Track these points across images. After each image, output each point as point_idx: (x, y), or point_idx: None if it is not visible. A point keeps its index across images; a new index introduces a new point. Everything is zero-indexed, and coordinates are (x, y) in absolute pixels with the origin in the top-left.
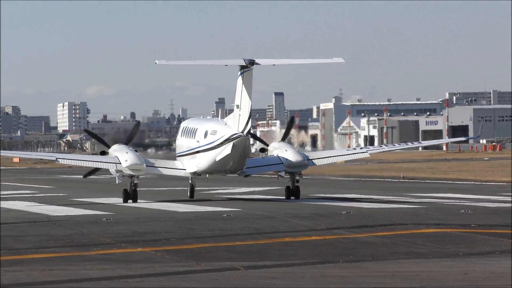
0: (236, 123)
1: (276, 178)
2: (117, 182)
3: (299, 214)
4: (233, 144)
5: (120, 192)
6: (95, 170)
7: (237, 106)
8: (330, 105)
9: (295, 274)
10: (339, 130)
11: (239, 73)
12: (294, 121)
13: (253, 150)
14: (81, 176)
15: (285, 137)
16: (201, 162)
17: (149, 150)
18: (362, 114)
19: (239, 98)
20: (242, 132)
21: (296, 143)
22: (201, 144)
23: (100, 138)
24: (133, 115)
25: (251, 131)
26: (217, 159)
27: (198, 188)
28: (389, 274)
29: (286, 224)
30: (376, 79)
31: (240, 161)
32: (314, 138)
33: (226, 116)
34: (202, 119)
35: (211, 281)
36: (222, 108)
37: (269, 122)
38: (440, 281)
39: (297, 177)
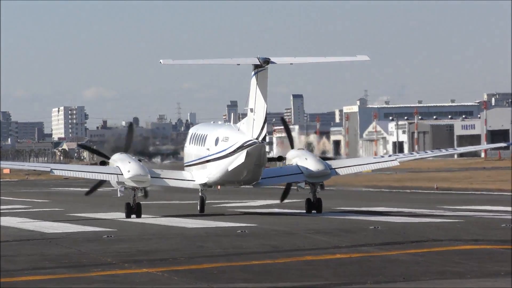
0: (250, 128)
1: (296, 189)
2: (118, 195)
3: (321, 229)
4: (247, 152)
5: (122, 206)
6: (98, 185)
7: (251, 110)
8: (355, 108)
9: None
10: (364, 135)
11: (253, 73)
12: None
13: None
14: (79, 189)
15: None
16: (212, 172)
17: (154, 160)
18: (390, 117)
19: (253, 101)
20: (257, 139)
21: (317, 151)
22: (211, 152)
23: (97, 150)
24: (136, 120)
25: (267, 138)
26: (230, 168)
27: (209, 201)
28: None
29: (307, 240)
30: (405, 79)
31: (255, 170)
32: (337, 145)
33: (239, 121)
34: (212, 125)
35: None
36: (235, 112)
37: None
38: None
39: (319, 189)
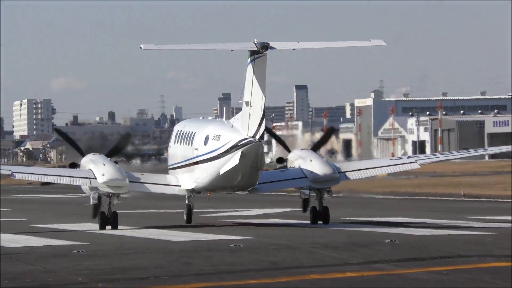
0: (245, 125)
1: (299, 196)
2: (91, 203)
3: (328, 243)
4: (242, 153)
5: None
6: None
7: (247, 104)
8: (368, 102)
9: None
10: (379, 133)
11: (249, 60)
12: (334, 131)
13: (267, 160)
14: (45, 196)
15: (317, 148)
16: (200, 176)
17: (133, 161)
18: (410, 112)
19: (249, 93)
20: (253, 137)
21: (324, 151)
22: (200, 152)
23: (75, 142)
24: (111, 115)
25: (265, 136)
26: (222, 172)
27: (197, 210)
28: None
29: (312, 256)
30: (427, 67)
31: (251, 174)
32: (347, 144)
33: (233, 116)
34: (201, 121)
35: None
36: (228, 106)
37: (289, 123)
38: None
39: (326, 195)
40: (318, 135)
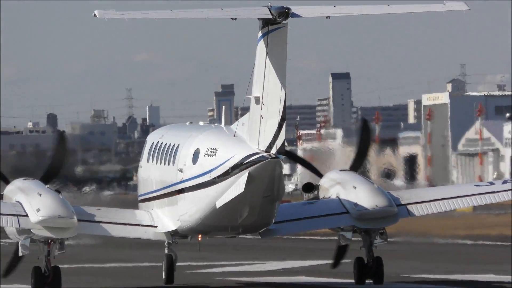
0: (255, 133)
1: (337, 241)
2: (20, 254)
3: None
4: (250, 175)
5: (27, 273)
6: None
7: (257, 101)
8: (443, 98)
9: None
10: (460, 146)
11: (260, 34)
12: (369, 130)
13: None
14: None
15: (358, 164)
16: (187, 211)
17: (85, 189)
18: (507, 114)
19: (261, 85)
20: (267, 151)
21: (376, 173)
22: (187, 175)
23: None
24: (52, 119)
25: (286, 148)
26: (219, 204)
27: (183, 264)
28: None
29: None
30: None
31: (264, 208)
32: (411, 162)
33: (236, 120)
34: (188, 127)
35: None
36: (229, 105)
37: (323, 131)
38: None
39: (378, 240)
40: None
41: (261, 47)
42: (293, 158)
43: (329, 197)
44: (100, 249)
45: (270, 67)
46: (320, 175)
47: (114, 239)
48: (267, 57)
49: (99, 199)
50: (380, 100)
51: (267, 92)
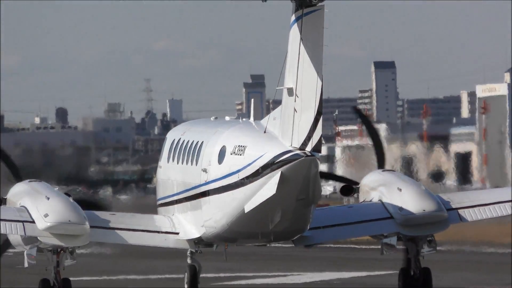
0: (288, 128)
1: (379, 250)
2: (25, 265)
3: None
4: (283, 175)
5: (34, 286)
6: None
7: (290, 92)
8: (501, 89)
9: None
10: None
11: (294, 19)
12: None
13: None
14: None
15: (382, 164)
16: (212, 216)
17: (99, 192)
18: None
19: (294, 75)
20: (301, 149)
21: (424, 174)
22: (212, 176)
23: (12, 161)
24: (62, 114)
25: (323, 147)
26: (248, 209)
27: (208, 275)
28: None
29: None
30: None
31: (299, 212)
32: (464, 162)
33: (267, 114)
34: (213, 123)
35: None
36: (260, 97)
37: (363, 127)
38: None
39: (426, 249)
40: (413, 147)
41: (294, 33)
42: (370, 129)
43: (371, 201)
44: (116, 259)
45: (305, 54)
46: (356, 184)
47: (132, 248)
48: (301, 43)
49: (114, 203)
50: (429, 92)
51: (302, 83)
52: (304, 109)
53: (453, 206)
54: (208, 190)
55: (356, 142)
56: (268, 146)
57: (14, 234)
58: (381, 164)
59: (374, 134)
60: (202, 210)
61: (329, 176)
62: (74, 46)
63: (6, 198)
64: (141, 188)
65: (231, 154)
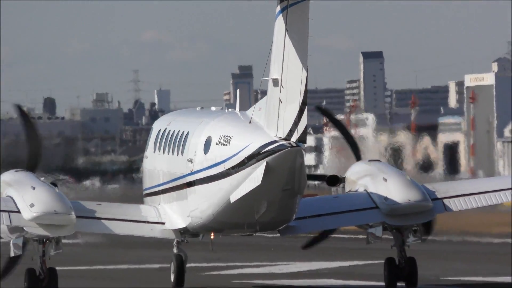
0: (273, 119)
1: (365, 239)
2: (11, 255)
3: None
4: (268, 166)
5: (20, 277)
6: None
7: (275, 83)
8: (488, 79)
9: None
10: (506, 132)
11: (279, 10)
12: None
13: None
14: None
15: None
16: (198, 206)
17: (86, 182)
18: None
19: (279, 66)
20: (286, 140)
21: (412, 164)
22: (197, 166)
23: None
24: (50, 104)
25: (309, 137)
26: (233, 199)
27: (196, 265)
28: None
29: None
30: None
31: (284, 203)
32: (451, 152)
33: (253, 104)
34: (199, 113)
35: None
36: (248, 88)
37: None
38: None
39: (411, 239)
40: (402, 136)
41: (279, 24)
42: (335, 122)
43: (356, 191)
44: (104, 250)
45: (290, 45)
46: (359, 157)
47: (120, 238)
48: (286, 34)
49: (102, 193)
50: (417, 82)
51: (287, 74)
52: (289, 99)
53: (438, 196)
54: (194, 180)
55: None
56: (253, 136)
57: (1, 224)
58: (357, 155)
59: (341, 127)
60: (188, 200)
61: (342, 128)
62: (62, 37)
63: None
64: (129, 178)
65: (216, 144)
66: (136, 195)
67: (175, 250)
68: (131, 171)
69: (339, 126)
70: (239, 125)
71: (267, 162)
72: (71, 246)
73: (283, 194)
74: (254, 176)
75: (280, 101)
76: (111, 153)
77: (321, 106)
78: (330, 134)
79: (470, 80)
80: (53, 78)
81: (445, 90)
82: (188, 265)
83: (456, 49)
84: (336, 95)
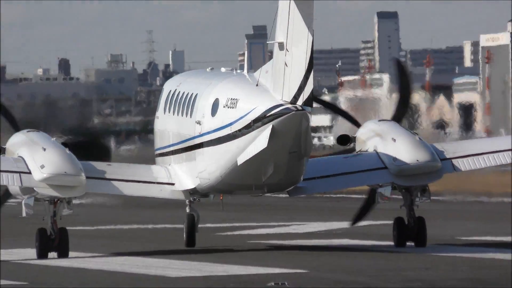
0: (279, 82)
1: (374, 200)
2: (23, 215)
3: (433, 280)
4: (274, 129)
5: (32, 236)
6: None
7: (281, 46)
8: (503, 38)
9: None
10: None
11: None
12: (406, 73)
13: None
14: None
15: (401, 114)
16: (207, 168)
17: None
18: None
19: (285, 28)
20: (292, 103)
21: (425, 124)
22: (205, 128)
23: (8, 111)
24: (64, 65)
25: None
26: (241, 161)
27: (211, 225)
28: None
29: None
30: None
31: (290, 165)
32: (466, 112)
33: (261, 66)
34: (207, 74)
35: None
36: (262, 48)
37: (367, 77)
38: None
39: (420, 199)
40: (416, 97)
41: None
42: (326, 105)
43: (366, 151)
44: (117, 210)
45: (295, 9)
46: (358, 125)
47: (134, 199)
48: None
49: (116, 154)
50: (432, 42)
51: (292, 38)
52: (295, 63)
53: (447, 156)
54: (202, 142)
55: (358, 93)
56: (259, 99)
57: (11, 185)
58: (397, 118)
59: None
60: (197, 161)
61: (334, 108)
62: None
63: (5, 148)
64: (143, 139)
65: (224, 107)
66: (151, 156)
67: (187, 210)
68: (146, 132)
69: (334, 107)
70: (246, 87)
71: (272, 126)
72: (86, 206)
73: (289, 157)
74: (260, 139)
75: (286, 64)
76: (126, 114)
77: (318, 98)
78: (344, 93)
79: (485, 40)
80: (68, 40)
81: (460, 50)
82: (204, 225)
83: (472, 9)
84: (351, 55)
